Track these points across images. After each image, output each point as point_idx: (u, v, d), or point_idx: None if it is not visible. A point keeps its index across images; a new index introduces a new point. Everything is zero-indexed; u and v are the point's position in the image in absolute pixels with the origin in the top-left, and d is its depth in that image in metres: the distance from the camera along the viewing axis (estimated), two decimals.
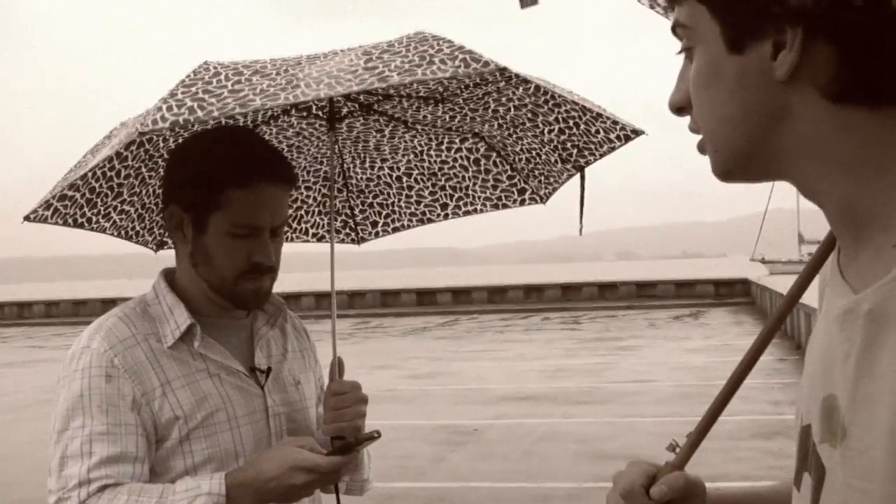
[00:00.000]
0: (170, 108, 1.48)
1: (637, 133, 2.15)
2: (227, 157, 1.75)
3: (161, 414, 1.69)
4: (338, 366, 1.91)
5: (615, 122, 2.11)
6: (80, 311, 35.55)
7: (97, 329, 1.74)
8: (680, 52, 0.88)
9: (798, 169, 0.81)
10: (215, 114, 1.47)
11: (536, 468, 8.15)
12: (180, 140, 1.95)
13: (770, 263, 72.24)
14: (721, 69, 0.81)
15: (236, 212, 1.74)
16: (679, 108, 0.89)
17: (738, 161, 0.83)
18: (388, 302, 36.44)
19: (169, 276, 1.86)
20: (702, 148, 0.87)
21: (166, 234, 2.24)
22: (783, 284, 24.62)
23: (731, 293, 34.45)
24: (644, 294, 35.59)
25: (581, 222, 2.22)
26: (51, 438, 1.69)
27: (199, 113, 1.47)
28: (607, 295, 35.73)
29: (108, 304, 30.14)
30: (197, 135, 1.88)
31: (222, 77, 1.56)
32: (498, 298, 36.18)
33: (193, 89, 1.52)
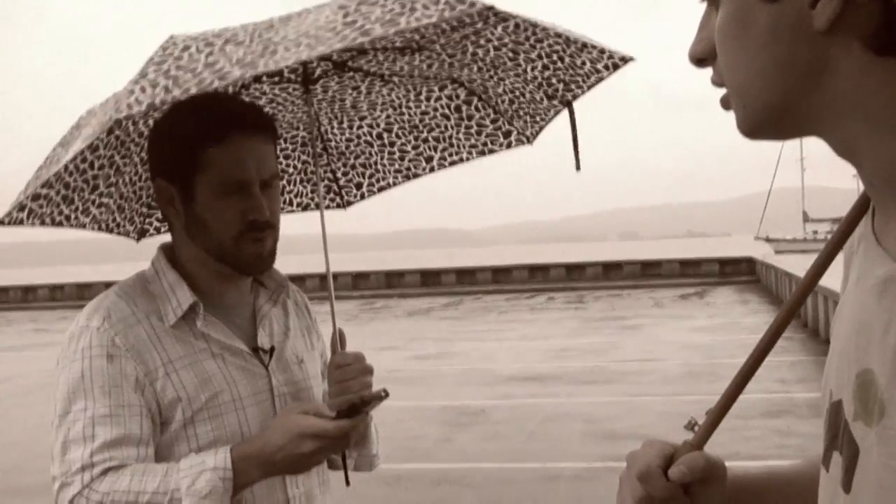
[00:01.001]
0: (143, 90, 1.41)
1: (625, 60, 2.04)
2: (200, 119, 1.71)
3: (164, 395, 1.64)
4: (339, 338, 1.85)
5: (602, 51, 2.01)
6: (84, 295, 35.56)
7: (96, 308, 1.69)
8: None
9: (834, 126, 0.75)
10: (193, 90, 1.40)
11: (544, 448, 8.12)
12: (151, 122, 1.89)
13: (775, 242, 72.25)
14: (752, 18, 0.74)
15: (219, 170, 1.69)
16: (700, 59, 0.82)
17: (767, 117, 0.77)
18: (392, 283, 36.43)
19: (168, 251, 1.80)
20: (726, 103, 0.81)
21: (146, 220, 2.19)
22: (788, 263, 24.59)
23: (737, 272, 34.44)
24: (649, 273, 35.59)
25: (577, 158, 2.13)
26: (52, 423, 1.64)
27: (176, 91, 1.39)
28: (612, 274, 35.74)
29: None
30: (171, 107, 1.82)
31: (193, 50, 1.49)
32: (502, 279, 36.19)
33: (165, 66, 1.46)
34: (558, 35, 1.95)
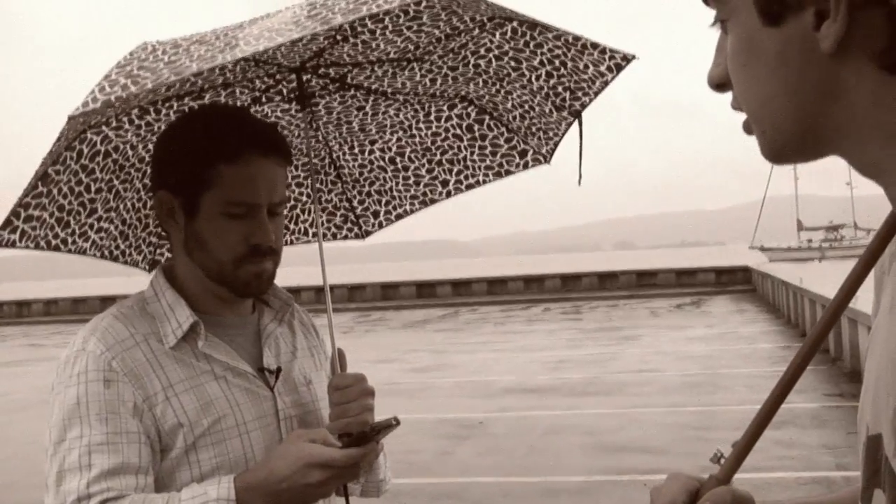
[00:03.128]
0: (102, 90, 1.36)
1: (628, 59, 1.98)
2: (214, 132, 1.63)
3: (164, 421, 1.56)
4: (339, 358, 1.78)
5: (603, 52, 1.94)
6: (79, 309, 35.52)
7: (92, 330, 1.61)
8: (714, 24, 0.79)
9: (856, 146, 0.72)
10: (149, 86, 1.34)
11: (544, 462, 8.04)
12: (150, 146, 1.83)
13: (769, 251, 72.44)
14: (758, 44, 0.71)
15: (228, 189, 1.61)
16: (719, 84, 0.79)
17: (787, 143, 0.74)
18: (388, 295, 36.41)
19: (168, 270, 1.72)
20: (748, 128, 0.78)
21: (157, 251, 2.11)
22: (784, 271, 24.59)
23: (732, 281, 34.49)
24: (644, 283, 35.62)
25: (580, 171, 2.09)
26: (46, 451, 1.56)
27: (133, 88, 1.34)
28: (608, 284, 35.76)
29: (107, 301, 30.10)
30: (183, 116, 1.77)
31: (159, 52, 1.44)
32: (498, 290, 36.19)
33: (128, 68, 1.40)
34: (557, 37, 1.89)
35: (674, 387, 11.80)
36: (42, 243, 1.81)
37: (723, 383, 11.80)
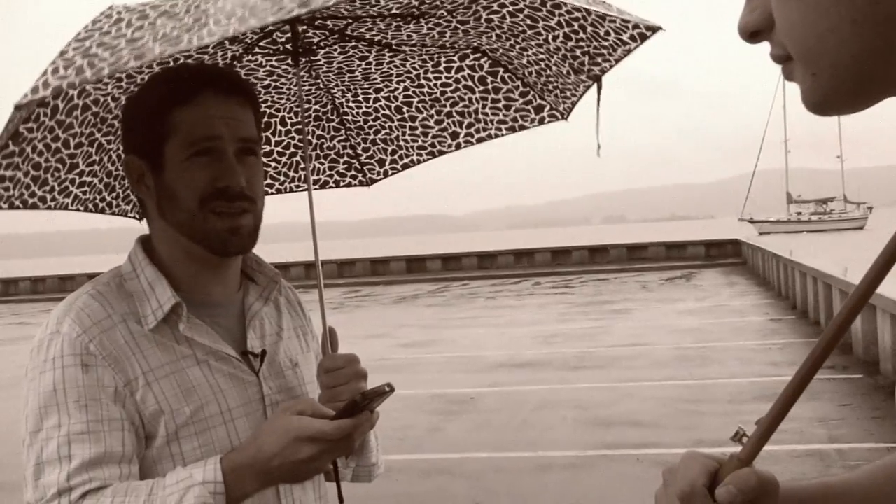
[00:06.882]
0: (55, 71, 1.24)
1: (652, 30, 1.88)
2: (169, 82, 1.56)
3: (145, 407, 1.47)
4: (330, 338, 1.69)
5: (625, 21, 1.85)
6: (66, 287, 35.33)
7: (67, 310, 1.51)
8: None
9: None
10: (106, 71, 1.23)
11: (536, 436, 8.01)
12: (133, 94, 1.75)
13: (759, 223, 72.56)
14: None
15: (187, 132, 1.53)
16: (753, 32, 0.69)
17: (843, 84, 0.65)
18: (377, 270, 36.39)
19: (147, 244, 1.63)
20: (789, 74, 0.69)
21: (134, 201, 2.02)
22: (775, 244, 24.61)
23: (723, 254, 34.57)
24: (635, 257, 35.67)
25: (598, 140, 2.00)
26: (23, 441, 1.47)
27: (88, 73, 1.22)
28: (598, 258, 35.79)
29: None
30: (145, 82, 1.68)
31: (123, 24, 1.32)
32: (488, 264, 36.21)
33: (87, 43, 1.29)
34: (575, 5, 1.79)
35: (665, 360, 11.79)
36: (17, 203, 1.72)
37: (714, 356, 11.79)
